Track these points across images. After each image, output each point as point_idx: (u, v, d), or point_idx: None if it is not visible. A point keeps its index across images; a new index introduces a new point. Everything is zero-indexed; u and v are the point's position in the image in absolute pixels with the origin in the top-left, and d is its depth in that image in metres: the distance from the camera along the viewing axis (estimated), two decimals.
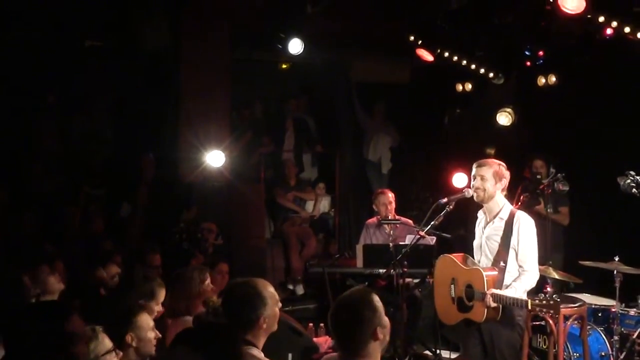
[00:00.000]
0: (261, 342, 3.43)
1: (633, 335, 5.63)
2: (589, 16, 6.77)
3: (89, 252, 6.89)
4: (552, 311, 4.39)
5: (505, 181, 4.92)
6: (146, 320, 3.82)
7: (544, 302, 4.37)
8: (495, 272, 4.75)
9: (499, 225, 4.87)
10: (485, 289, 4.64)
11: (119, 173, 8.52)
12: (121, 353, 3.53)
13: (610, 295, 5.92)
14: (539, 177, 7.26)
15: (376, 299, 3.17)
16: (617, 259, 5.77)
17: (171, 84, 8.69)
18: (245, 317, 3.38)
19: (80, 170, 8.41)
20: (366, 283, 6.83)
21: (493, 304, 4.60)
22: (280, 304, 3.54)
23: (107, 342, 3.43)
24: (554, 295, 4.46)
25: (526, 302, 4.44)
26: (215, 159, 7.92)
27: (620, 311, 5.79)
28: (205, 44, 8.61)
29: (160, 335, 3.92)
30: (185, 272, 4.90)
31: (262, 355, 3.36)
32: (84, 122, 8.80)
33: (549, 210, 7.12)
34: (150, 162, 8.60)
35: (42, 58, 7.93)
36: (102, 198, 8.21)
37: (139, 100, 8.58)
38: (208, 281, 4.93)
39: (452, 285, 4.97)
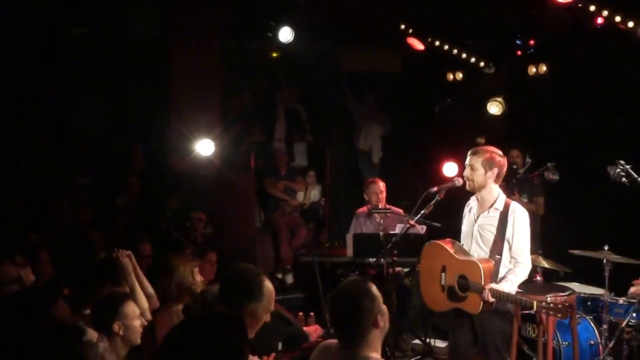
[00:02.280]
0: (252, 333, 3.41)
1: (622, 323, 5.64)
2: (579, 5, 6.78)
3: (78, 241, 6.85)
4: (559, 314, 4.35)
5: (498, 170, 4.85)
6: (132, 308, 3.82)
7: (551, 304, 4.33)
8: (491, 264, 4.74)
9: (493, 215, 4.84)
10: (483, 282, 4.62)
11: (109, 162, 8.48)
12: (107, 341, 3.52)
13: (600, 284, 5.93)
14: (514, 166, 7.29)
15: (374, 287, 3.18)
16: (606, 247, 5.79)
17: (161, 72, 8.63)
18: (239, 302, 3.35)
19: (68, 159, 8.35)
20: (356, 272, 6.84)
21: (491, 299, 4.59)
22: (273, 303, 3.52)
23: (92, 334, 3.42)
24: (563, 301, 4.41)
25: (531, 303, 4.42)
26: (205, 148, 7.88)
27: (610, 300, 5.81)
28: (194, 32, 8.55)
29: (145, 323, 3.92)
30: (175, 260, 4.86)
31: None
32: (72, 111, 8.73)
33: (524, 200, 7.16)
34: (140, 152, 8.56)
35: (30, 46, 7.86)
36: (91, 187, 8.17)
37: (129, 89, 8.52)
38: (197, 271, 4.90)
39: (443, 273, 4.95)
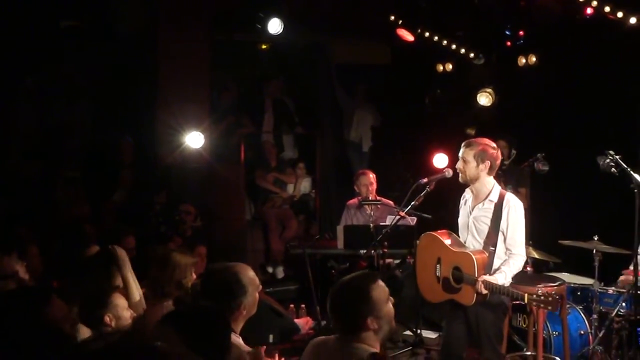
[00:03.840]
0: (240, 325, 3.41)
1: (611, 313, 5.67)
2: None
3: (68, 235, 6.82)
4: (550, 307, 4.36)
5: (490, 162, 4.82)
6: (121, 299, 3.79)
7: (542, 297, 4.33)
8: (485, 256, 4.73)
9: (488, 207, 4.83)
10: (476, 274, 4.63)
11: (97, 156, 8.44)
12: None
13: (590, 274, 5.96)
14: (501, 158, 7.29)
15: (374, 288, 3.15)
16: (596, 238, 5.81)
17: (149, 65, 8.59)
18: (225, 304, 3.33)
19: (57, 152, 8.30)
20: (347, 264, 6.84)
21: (484, 291, 4.60)
22: (260, 287, 3.50)
23: (84, 331, 3.41)
24: (553, 293, 4.43)
25: (522, 296, 4.42)
26: (194, 140, 7.85)
27: (599, 290, 5.84)
28: (183, 24, 8.51)
29: (135, 314, 3.89)
30: (175, 257, 4.73)
31: (239, 340, 3.33)
32: (61, 104, 8.68)
33: (509, 190, 7.17)
34: (129, 145, 8.52)
35: (18, 39, 7.79)
36: (80, 181, 8.12)
37: (117, 82, 8.47)
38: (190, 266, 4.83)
39: (438, 265, 4.95)
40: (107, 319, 3.70)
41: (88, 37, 8.48)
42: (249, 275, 3.43)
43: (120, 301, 3.80)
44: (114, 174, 8.27)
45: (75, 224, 7.07)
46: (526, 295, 4.40)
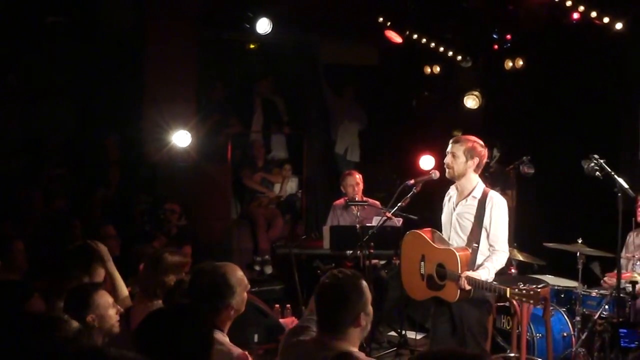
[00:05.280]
0: (227, 325, 3.40)
1: (594, 316, 5.72)
2: (556, 0, 6.82)
3: (53, 232, 6.78)
4: (531, 301, 4.39)
5: (479, 160, 4.88)
6: (105, 298, 3.74)
7: (524, 291, 4.36)
8: (468, 252, 4.76)
9: (472, 203, 4.87)
10: (459, 271, 4.66)
11: (83, 153, 8.39)
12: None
13: (573, 277, 6.01)
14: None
15: (365, 285, 3.19)
16: (580, 241, 5.86)
17: (136, 62, 8.55)
18: (213, 305, 3.33)
19: (42, 149, 8.25)
20: (333, 264, 6.85)
21: (467, 287, 4.62)
22: (249, 287, 3.50)
23: (74, 324, 3.38)
24: (534, 285, 4.47)
25: (504, 290, 4.45)
26: (181, 139, 7.83)
27: (583, 292, 5.89)
28: (171, 22, 8.48)
29: (122, 310, 3.86)
30: (169, 260, 4.67)
31: (226, 339, 3.33)
32: (46, 101, 8.62)
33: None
34: (115, 142, 8.48)
35: (3, 35, 7.73)
36: (65, 178, 8.08)
37: (103, 79, 8.42)
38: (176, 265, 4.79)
39: (422, 262, 4.98)
40: (89, 319, 3.66)
41: (75, 34, 8.42)
42: (238, 275, 3.42)
43: (103, 300, 3.74)
44: (100, 171, 8.23)
45: (59, 220, 7.04)
46: (508, 289, 4.43)
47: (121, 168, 8.32)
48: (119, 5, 8.32)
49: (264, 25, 7.98)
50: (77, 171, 8.19)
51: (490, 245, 4.82)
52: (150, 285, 4.36)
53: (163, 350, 2.61)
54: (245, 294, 3.45)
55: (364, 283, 3.20)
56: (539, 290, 4.39)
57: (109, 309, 3.72)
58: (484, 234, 4.79)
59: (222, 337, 3.30)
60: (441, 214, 5.14)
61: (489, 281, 4.63)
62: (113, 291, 4.30)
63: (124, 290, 4.39)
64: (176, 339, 2.64)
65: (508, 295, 4.44)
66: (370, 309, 3.19)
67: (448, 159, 4.90)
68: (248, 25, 8.06)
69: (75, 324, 3.08)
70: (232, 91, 9.95)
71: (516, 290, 4.39)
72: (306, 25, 8.94)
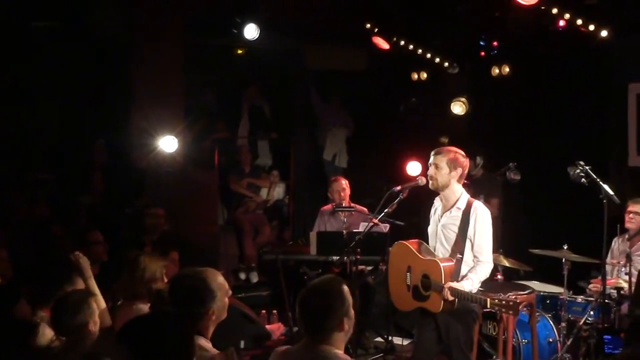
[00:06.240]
0: (210, 331, 3.39)
1: (580, 321, 5.75)
2: (542, 8, 6.87)
3: (37, 238, 6.73)
4: (511, 312, 4.42)
5: (462, 170, 4.89)
6: (95, 305, 3.76)
7: (503, 302, 4.39)
8: (452, 263, 4.76)
9: (456, 214, 4.88)
10: (443, 281, 4.66)
11: (69, 158, 8.34)
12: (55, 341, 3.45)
13: (559, 283, 6.03)
14: None
15: (347, 289, 3.21)
16: (565, 247, 5.89)
17: (123, 67, 8.51)
18: (193, 310, 3.32)
19: (27, 154, 8.19)
20: (320, 270, 6.85)
21: (450, 297, 4.63)
22: (230, 293, 3.49)
23: (47, 333, 3.36)
24: (512, 295, 4.50)
25: (485, 301, 4.47)
26: (168, 144, 7.81)
27: (568, 298, 5.92)
28: (159, 28, 8.44)
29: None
30: (144, 260, 4.70)
31: (209, 345, 3.32)
32: (32, 105, 8.56)
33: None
34: (102, 148, 8.44)
35: None
36: (50, 183, 8.02)
37: (90, 84, 8.38)
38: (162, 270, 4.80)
39: (408, 273, 4.99)
40: (91, 325, 3.68)
41: (62, 38, 8.38)
42: (218, 280, 3.41)
43: (95, 307, 3.77)
44: (85, 177, 8.18)
45: (44, 227, 6.99)
46: (488, 300, 4.46)
47: (107, 174, 8.27)
48: (106, 10, 8.28)
49: (251, 31, 7.98)
50: (62, 177, 8.13)
51: (475, 256, 4.82)
52: (130, 290, 4.36)
53: (145, 357, 2.60)
54: (227, 299, 3.43)
55: (346, 288, 3.22)
56: (518, 301, 4.42)
57: (97, 316, 3.74)
58: (468, 245, 4.80)
59: (205, 342, 3.30)
60: (427, 220, 5.15)
61: (472, 292, 4.65)
62: None
63: (103, 303, 4.38)
64: (158, 346, 2.64)
65: (488, 306, 4.47)
66: (352, 312, 3.21)
67: (431, 171, 4.91)
68: (236, 31, 8.05)
69: (50, 333, 3.08)
70: (220, 97, 9.94)
71: (496, 300, 4.42)
72: (294, 31, 8.95)
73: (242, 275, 8.73)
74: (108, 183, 8.21)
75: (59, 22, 8.29)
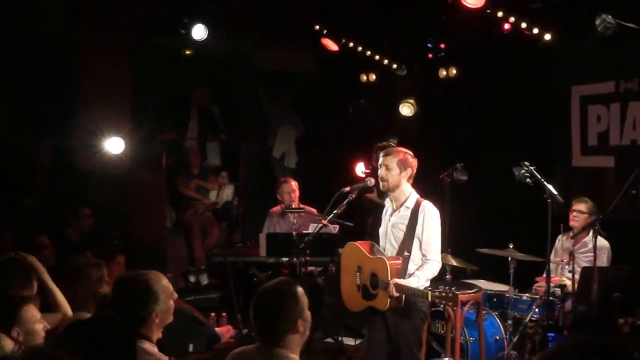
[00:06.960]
0: (155, 335, 3.31)
1: (525, 319, 5.85)
2: (488, 11, 6.98)
3: None
4: (451, 303, 4.53)
5: (411, 170, 4.95)
6: (31, 312, 3.60)
7: (444, 294, 4.49)
8: (399, 261, 4.81)
9: (404, 214, 4.92)
10: (389, 279, 4.70)
11: (11, 160, 8.12)
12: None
13: (505, 281, 6.14)
14: None
15: (301, 291, 3.18)
16: (511, 246, 5.99)
17: (69, 67, 8.33)
18: (136, 313, 3.25)
19: None
20: (269, 272, 6.83)
21: (396, 294, 4.67)
22: (176, 295, 3.42)
23: (8, 343, 3.27)
24: (453, 288, 4.58)
25: (426, 293, 4.55)
26: (114, 146, 7.68)
27: (514, 296, 6.01)
28: (105, 26, 8.29)
29: (49, 327, 3.73)
30: (82, 266, 4.59)
31: (155, 349, 3.25)
32: None
33: None
34: (45, 149, 8.25)
35: None
36: None
37: (33, 83, 8.18)
38: (105, 276, 4.71)
39: (358, 273, 5.02)
40: (14, 333, 3.51)
41: (5, 37, 8.16)
42: (162, 282, 3.34)
43: (30, 314, 3.59)
44: (27, 179, 7.98)
45: None
46: (429, 292, 4.54)
47: (51, 175, 8.08)
48: (51, 10, 8.10)
49: (199, 32, 7.92)
50: (5, 180, 7.91)
51: (423, 255, 4.87)
52: (72, 297, 4.24)
53: None
54: (172, 302, 3.37)
55: (300, 289, 3.19)
56: (457, 293, 4.52)
57: (35, 323, 3.58)
58: (416, 243, 4.85)
59: (151, 347, 3.23)
60: (375, 221, 5.19)
61: (418, 288, 4.70)
62: (54, 303, 4.16)
63: (63, 300, 4.23)
64: (97, 350, 2.58)
65: (429, 298, 4.56)
66: (307, 314, 3.19)
67: (382, 172, 4.94)
68: (184, 31, 7.98)
69: (10, 344, 2.99)
70: (168, 98, 9.81)
71: (436, 293, 4.53)
72: (243, 32, 8.90)
73: (192, 278, 8.66)
74: (52, 185, 8.03)
75: (3, 17, 8.06)
